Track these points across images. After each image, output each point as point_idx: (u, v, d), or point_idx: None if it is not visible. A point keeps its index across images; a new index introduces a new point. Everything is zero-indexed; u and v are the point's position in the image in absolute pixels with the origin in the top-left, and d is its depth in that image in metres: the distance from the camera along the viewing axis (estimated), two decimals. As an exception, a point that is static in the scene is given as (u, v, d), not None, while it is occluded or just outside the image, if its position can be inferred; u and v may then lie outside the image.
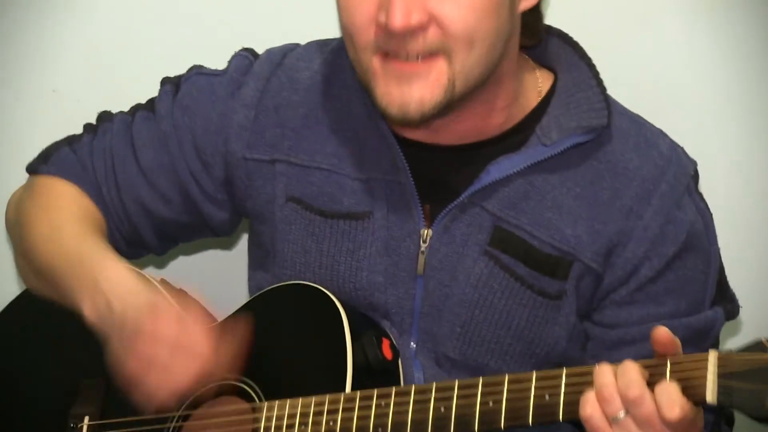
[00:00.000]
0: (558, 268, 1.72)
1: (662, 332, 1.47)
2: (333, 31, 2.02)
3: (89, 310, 1.72)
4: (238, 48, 1.96)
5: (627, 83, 1.91)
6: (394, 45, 1.58)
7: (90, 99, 2.11)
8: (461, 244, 1.73)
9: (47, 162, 1.89)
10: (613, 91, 1.77)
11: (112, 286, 1.71)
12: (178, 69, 1.97)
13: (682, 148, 1.79)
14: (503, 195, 1.71)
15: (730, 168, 2.21)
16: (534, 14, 1.76)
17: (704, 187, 1.82)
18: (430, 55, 1.60)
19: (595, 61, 1.81)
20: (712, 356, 1.44)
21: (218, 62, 1.96)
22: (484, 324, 1.74)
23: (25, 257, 1.89)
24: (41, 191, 1.89)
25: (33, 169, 1.91)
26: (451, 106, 1.63)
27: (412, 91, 1.60)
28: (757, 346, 1.44)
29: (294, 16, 2.23)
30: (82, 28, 2.32)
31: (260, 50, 1.96)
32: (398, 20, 1.54)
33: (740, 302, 1.90)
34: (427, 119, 1.63)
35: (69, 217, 1.84)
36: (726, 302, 1.81)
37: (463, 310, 1.74)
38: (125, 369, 1.69)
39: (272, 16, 2.24)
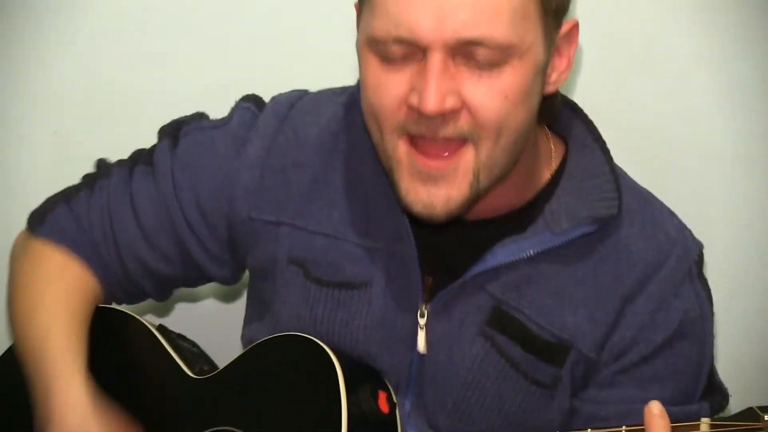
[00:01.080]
0: (555, 355, 1.70)
1: (653, 410, 1.48)
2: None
3: (37, 410, 1.74)
4: (240, 91, 1.89)
5: (627, 133, 1.95)
6: (423, 129, 1.55)
7: (91, 141, 2.11)
8: (458, 322, 1.71)
9: (43, 222, 1.85)
10: (611, 141, 1.74)
11: (59, 405, 1.72)
12: (180, 112, 1.92)
13: (689, 231, 1.77)
14: (507, 278, 1.69)
15: (729, 217, 2.19)
16: (554, 94, 1.75)
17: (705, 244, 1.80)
18: (457, 144, 1.57)
19: (595, 110, 1.78)
20: (705, 424, 1.47)
21: (221, 107, 1.89)
22: (476, 406, 1.72)
23: (8, 319, 1.88)
24: (31, 257, 1.86)
25: (30, 227, 1.88)
26: (478, 199, 1.62)
27: (438, 191, 1.58)
28: (748, 414, 1.48)
29: (297, 62, 2.21)
30: (83, 71, 2.31)
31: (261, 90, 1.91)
32: (432, 104, 1.51)
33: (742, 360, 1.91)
34: (453, 216, 1.61)
35: (50, 295, 1.82)
36: (715, 395, 1.79)
37: (456, 389, 1.73)
38: None
39: (275, 61, 2.22)
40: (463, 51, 1.52)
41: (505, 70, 1.53)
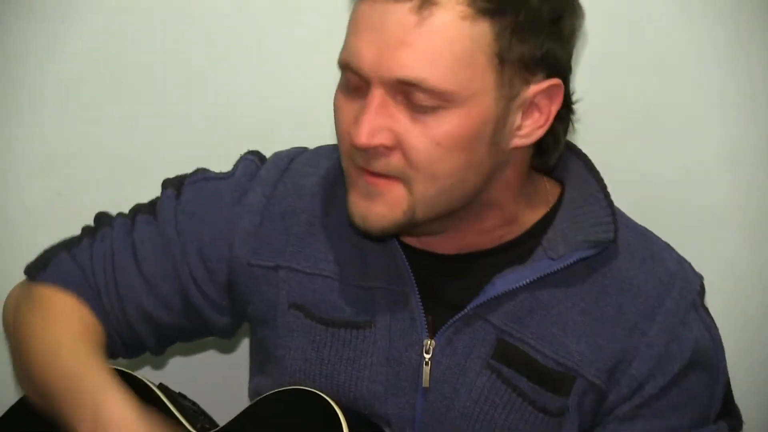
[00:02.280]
0: (561, 385, 1.68)
1: None
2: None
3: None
4: (241, 151, 1.90)
5: (629, 190, 1.90)
6: (359, 159, 1.59)
7: (95, 204, 2.02)
8: (463, 356, 1.69)
9: (46, 269, 1.84)
10: (616, 199, 1.75)
11: (112, 421, 1.69)
12: (181, 171, 1.91)
13: (689, 263, 1.77)
14: (508, 308, 1.68)
15: (730, 273, 2.17)
16: (554, 140, 1.72)
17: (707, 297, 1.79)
18: (389, 176, 1.60)
19: (598, 167, 1.80)
20: None
21: (222, 167, 1.91)
22: None
23: (23, 370, 1.84)
24: (40, 302, 1.85)
25: (32, 274, 1.87)
26: (417, 225, 1.63)
27: (374, 206, 1.60)
28: None
29: (295, 123, 2.20)
30: (87, 134, 2.29)
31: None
32: (362, 137, 1.54)
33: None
34: (388, 234, 1.64)
35: (69, 334, 1.80)
36: (730, 417, 1.77)
37: (465, 423, 1.70)
38: None
39: (274, 123, 2.23)
40: (402, 90, 1.54)
41: (443, 116, 1.55)
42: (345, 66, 1.57)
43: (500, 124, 1.58)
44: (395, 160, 1.55)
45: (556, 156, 1.74)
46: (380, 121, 1.53)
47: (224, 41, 2.24)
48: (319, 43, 2.10)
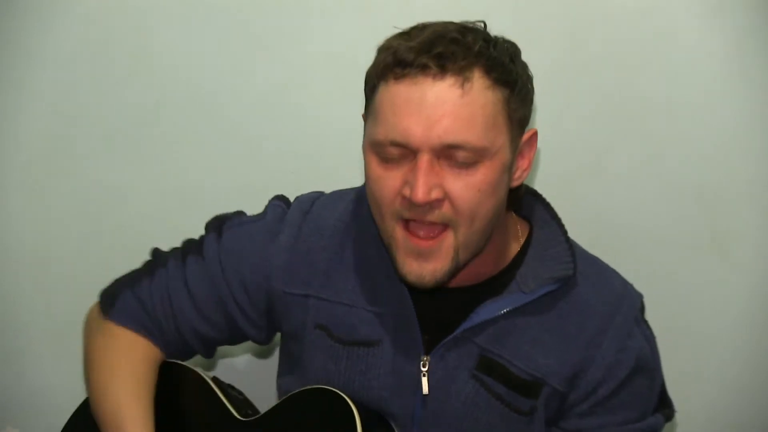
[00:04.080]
0: (532, 390, 1.83)
1: None
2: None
3: None
4: (263, 186, 2.05)
5: (583, 226, 2.02)
6: (414, 214, 1.68)
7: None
8: (453, 368, 1.83)
9: (113, 306, 1.96)
10: (573, 232, 1.90)
11: None
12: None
13: (631, 285, 1.91)
14: (489, 332, 1.82)
15: (666, 291, 2.30)
16: (519, 187, 1.87)
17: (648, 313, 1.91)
18: (441, 228, 1.71)
19: (555, 206, 1.94)
20: None
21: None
22: None
23: (87, 384, 1.98)
24: (105, 335, 1.97)
25: (103, 309, 1.99)
26: (459, 269, 1.75)
27: (427, 265, 1.72)
28: None
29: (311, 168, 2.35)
30: (135, 172, 2.40)
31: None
32: (421, 195, 1.65)
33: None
34: (440, 284, 1.74)
35: (122, 371, 1.93)
36: (665, 408, 1.92)
37: (454, 421, 1.85)
38: None
39: (289, 170, 2.34)
40: (446, 153, 1.65)
41: (479, 168, 1.67)
42: (389, 143, 1.68)
43: (510, 170, 1.76)
44: (445, 210, 1.68)
45: (521, 193, 1.90)
46: (432, 180, 1.65)
47: (258, 96, 2.36)
48: (333, 101, 2.28)
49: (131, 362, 1.93)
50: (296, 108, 2.35)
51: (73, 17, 2.33)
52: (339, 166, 2.24)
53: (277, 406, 1.91)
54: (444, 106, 1.63)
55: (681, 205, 2.34)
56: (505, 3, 2.20)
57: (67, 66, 2.34)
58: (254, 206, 2.02)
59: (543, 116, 2.12)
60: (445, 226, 1.70)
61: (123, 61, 2.34)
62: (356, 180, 1.97)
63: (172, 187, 2.41)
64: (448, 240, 1.70)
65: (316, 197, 1.97)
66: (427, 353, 1.83)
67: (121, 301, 1.94)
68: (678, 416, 1.96)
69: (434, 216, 1.68)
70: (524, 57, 1.79)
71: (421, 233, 1.71)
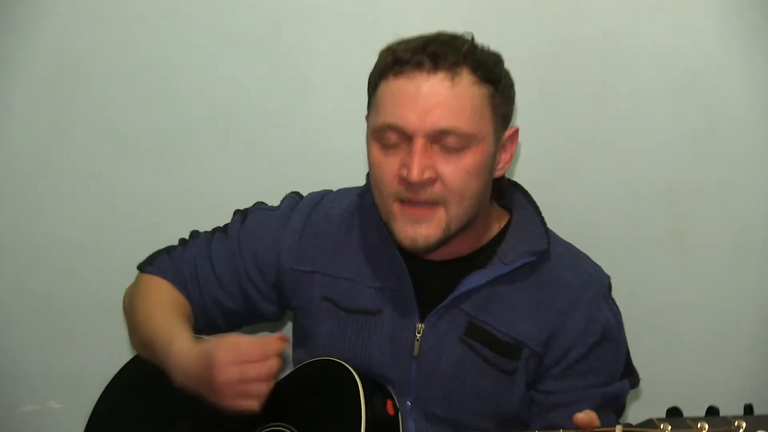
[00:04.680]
0: (513, 352, 1.92)
1: (579, 417, 1.66)
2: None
3: (173, 376, 1.93)
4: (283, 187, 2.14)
5: (559, 220, 2.08)
6: (410, 193, 1.79)
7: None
8: (444, 334, 1.92)
9: (152, 264, 2.10)
10: (551, 225, 2.00)
11: (179, 354, 1.91)
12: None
13: (600, 267, 2.00)
14: (475, 300, 1.91)
15: (630, 274, 2.36)
16: (501, 179, 1.98)
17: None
18: (434, 203, 1.81)
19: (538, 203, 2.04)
20: (618, 429, 1.64)
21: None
22: (461, 392, 1.93)
23: (132, 333, 2.10)
24: (144, 284, 2.10)
25: (141, 268, 2.11)
26: (447, 240, 1.85)
27: (420, 230, 1.83)
28: (648, 423, 1.65)
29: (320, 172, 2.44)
30: (179, 177, 2.50)
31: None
32: (416, 174, 1.76)
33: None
34: (430, 249, 1.85)
35: (159, 305, 2.05)
36: (631, 376, 2.00)
37: (446, 382, 1.93)
38: (215, 402, 1.85)
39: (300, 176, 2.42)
40: (438, 138, 1.77)
41: (467, 153, 1.79)
42: (388, 127, 1.79)
43: (493, 159, 1.86)
44: (437, 189, 1.79)
45: (504, 184, 2.00)
46: (426, 161, 1.77)
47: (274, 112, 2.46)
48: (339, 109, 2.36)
49: (168, 299, 2.06)
50: (301, 116, 2.45)
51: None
52: (341, 169, 2.34)
53: (290, 374, 2.02)
54: (436, 96, 1.75)
55: (644, 203, 2.46)
56: (492, 22, 2.29)
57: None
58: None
59: (523, 122, 2.15)
60: (436, 203, 1.80)
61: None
62: (357, 180, 2.10)
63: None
64: (440, 214, 1.81)
65: (326, 192, 2.09)
66: (421, 321, 1.93)
67: (158, 260, 2.09)
68: (643, 384, 2.05)
69: (427, 194, 1.79)
70: (508, 68, 1.90)
71: (416, 210, 1.82)
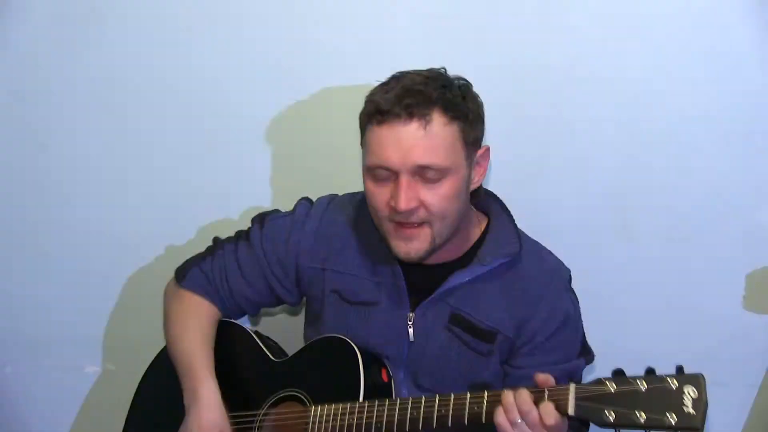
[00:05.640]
0: (489, 337, 2.03)
1: (540, 376, 1.78)
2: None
3: (185, 399, 2.08)
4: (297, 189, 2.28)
5: (527, 218, 2.18)
6: (399, 218, 1.91)
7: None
8: (431, 322, 2.04)
9: (185, 278, 2.20)
10: (520, 221, 2.11)
11: (202, 398, 2.04)
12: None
13: (562, 262, 2.10)
14: (457, 295, 2.02)
15: (589, 268, 2.38)
16: (478, 188, 2.06)
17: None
18: (420, 223, 1.92)
19: (506, 203, 2.13)
20: (572, 387, 1.76)
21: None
22: (445, 368, 2.05)
23: (166, 335, 2.22)
24: (179, 299, 2.20)
25: (178, 281, 2.20)
26: (435, 250, 1.96)
27: (412, 245, 1.94)
28: (597, 381, 1.75)
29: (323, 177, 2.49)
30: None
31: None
32: (402, 206, 1.88)
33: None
34: (421, 260, 1.96)
35: (191, 330, 2.15)
36: (587, 354, 2.10)
37: (433, 361, 2.05)
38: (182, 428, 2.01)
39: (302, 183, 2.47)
40: (419, 172, 1.87)
41: (445, 182, 1.89)
42: (377, 167, 1.89)
43: (468, 179, 1.95)
44: (422, 213, 1.90)
45: (480, 193, 2.08)
46: (410, 193, 1.88)
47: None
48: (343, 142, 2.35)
49: (198, 319, 2.16)
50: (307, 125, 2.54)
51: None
52: (344, 172, 2.39)
53: (301, 349, 2.15)
54: (413, 140, 1.86)
55: (599, 202, 2.55)
56: (465, 56, 2.33)
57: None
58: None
59: (496, 135, 2.22)
60: (423, 223, 1.92)
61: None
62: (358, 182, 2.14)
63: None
64: (426, 231, 1.93)
65: (332, 198, 2.20)
66: (412, 311, 2.04)
67: (190, 274, 2.20)
68: (597, 360, 2.15)
69: (414, 218, 1.91)
70: (479, 92, 1.98)
71: (407, 230, 1.93)
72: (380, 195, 1.94)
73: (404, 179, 1.88)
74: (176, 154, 2.60)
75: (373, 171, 1.93)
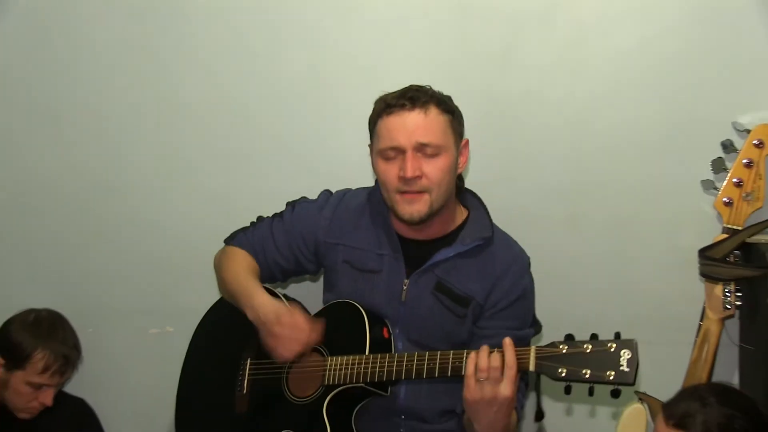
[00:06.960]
0: (465, 302, 2.35)
1: (506, 340, 2.05)
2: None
3: (249, 316, 2.38)
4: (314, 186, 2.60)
5: (495, 212, 2.47)
6: (406, 187, 2.22)
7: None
8: (422, 289, 2.37)
9: (234, 240, 2.55)
10: (495, 219, 2.43)
11: (259, 306, 2.35)
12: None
13: (523, 249, 2.44)
14: (443, 267, 2.35)
15: (545, 256, 2.60)
16: (461, 180, 2.40)
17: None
18: (422, 191, 2.22)
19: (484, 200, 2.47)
20: (533, 349, 2.04)
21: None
22: (431, 326, 2.37)
23: (221, 284, 2.57)
24: (230, 253, 2.55)
25: (227, 242, 2.56)
26: (432, 215, 2.25)
27: (415, 207, 2.25)
28: (552, 344, 2.00)
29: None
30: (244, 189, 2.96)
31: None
32: (410, 173, 2.21)
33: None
34: (422, 221, 2.25)
35: (242, 268, 2.49)
36: (536, 325, 2.44)
37: (422, 319, 2.38)
38: (268, 343, 2.33)
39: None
40: (420, 149, 2.20)
41: (440, 158, 2.23)
42: (388, 148, 2.21)
43: (456, 161, 2.28)
44: (423, 182, 2.22)
45: (463, 185, 2.40)
46: (415, 164, 2.20)
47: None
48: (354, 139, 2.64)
49: (245, 260, 2.50)
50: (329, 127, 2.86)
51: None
52: (356, 173, 2.71)
53: (320, 311, 2.49)
54: (416, 123, 2.21)
55: (549, 196, 2.80)
56: (450, 76, 2.61)
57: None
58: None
59: (471, 145, 2.45)
60: (423, 191, 2.24)
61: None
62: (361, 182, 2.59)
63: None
64: (426, 197, 2.25)
65: (347, 190, 2.55)
66: (407, 278, 2.39)
67: (237, 238, 2.57)
68: (550, 319, 2.50)
69: (417, 186, 2.24)
70: (460, 105, 2.32)
71: (411, 196, 2.24)
72: (390, 171, 2.27)
73: (410, 153, 2.22)
74: (219, 167, 2.95)
75: (384, 152, 2.26)
